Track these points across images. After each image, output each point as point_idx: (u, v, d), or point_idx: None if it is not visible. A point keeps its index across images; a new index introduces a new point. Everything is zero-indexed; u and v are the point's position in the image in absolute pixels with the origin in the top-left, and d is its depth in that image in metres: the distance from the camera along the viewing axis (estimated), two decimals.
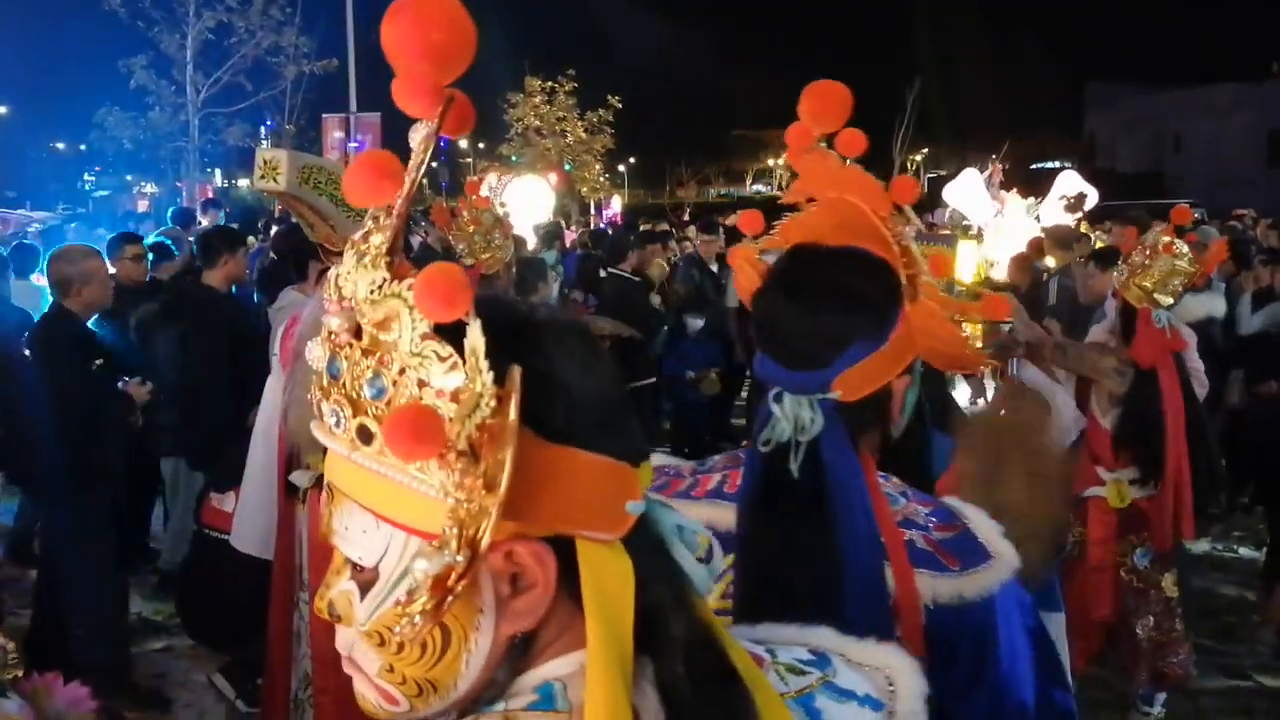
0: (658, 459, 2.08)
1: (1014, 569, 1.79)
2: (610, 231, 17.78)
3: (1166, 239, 4.94)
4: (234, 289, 7.83)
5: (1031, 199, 11.53)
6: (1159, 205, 22.12)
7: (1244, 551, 8.67)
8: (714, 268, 11.40)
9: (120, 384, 6.25)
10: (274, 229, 13.19)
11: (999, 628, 1.74)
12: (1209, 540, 8.81)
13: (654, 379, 10.05)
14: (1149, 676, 5.34)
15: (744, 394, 12.28)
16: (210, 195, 30.00)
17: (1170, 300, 4.96)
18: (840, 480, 1.74)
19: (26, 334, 6.17)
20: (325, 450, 1.14)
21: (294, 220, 4.58)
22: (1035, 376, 5.29)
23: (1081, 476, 5.23)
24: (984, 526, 1.85)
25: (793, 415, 1.78)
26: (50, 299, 6.09)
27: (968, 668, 1.74)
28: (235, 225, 15.08)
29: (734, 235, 12.51)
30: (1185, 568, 5.87)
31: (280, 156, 3.99)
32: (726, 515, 1.85)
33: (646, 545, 1.09)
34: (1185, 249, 4.93)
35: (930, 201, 17.01)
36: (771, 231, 2.06)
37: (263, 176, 3.97)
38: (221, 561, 4.99)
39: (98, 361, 5.96)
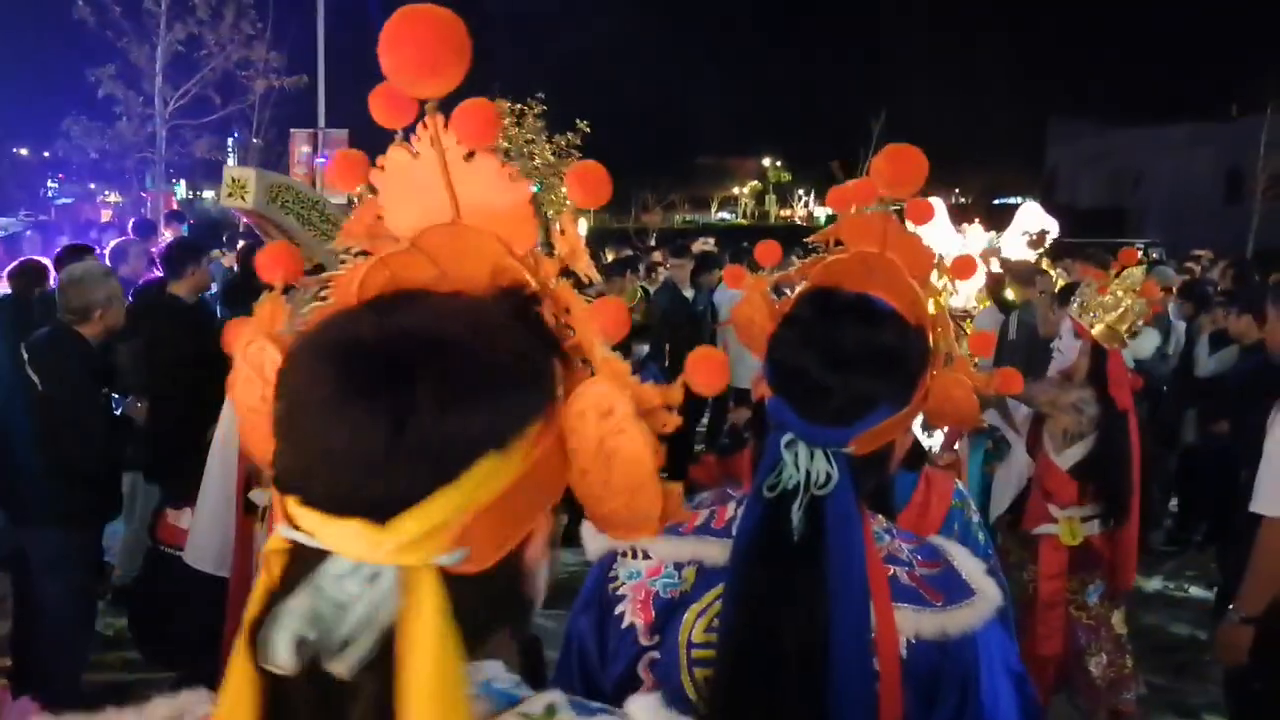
0: None
1: (997, 607, 1.80)
2: None
3: (1144, 281, 5.08)
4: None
5: (993, 232, 11.60)
6: (1117, 243, 22.33)
7: (1195, 590, 8.75)
8: (686, 292, 11.46)
9: (115, 405, 6.16)
10: (239, 243, 13.15)
11: (981, 667, 1.75)
12: (1161, 578, 8.91)
13: None
14: (1106, 715, 5.38)
15: (704, 420, 12.32)
16: (174, 207, 29.89)
17: (1130, 340, 5.10)
18: (842, 532, 1.74)
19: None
20: None
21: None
22: (994, 419, 5.37)
23: (1033, 514, 5.32)
24: (968, 564, 1.86)
25: (804, 466, 1.77)
26: (55, 319, 5.78)
27: (950, 709, 1.74)
28: (198, 237, 15.01)
29: (701, 259, 12.62)
30: (1132, 605, 5.95)
31: (248, 175, 3.99)
32: (713, 551, 1.86)
33: None
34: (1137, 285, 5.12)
35: None
36: (789, 266, 2.06)
37: (230, 194, 3.97)
38: (176, 579, 4.94)
39: (104, 390, 5.85)
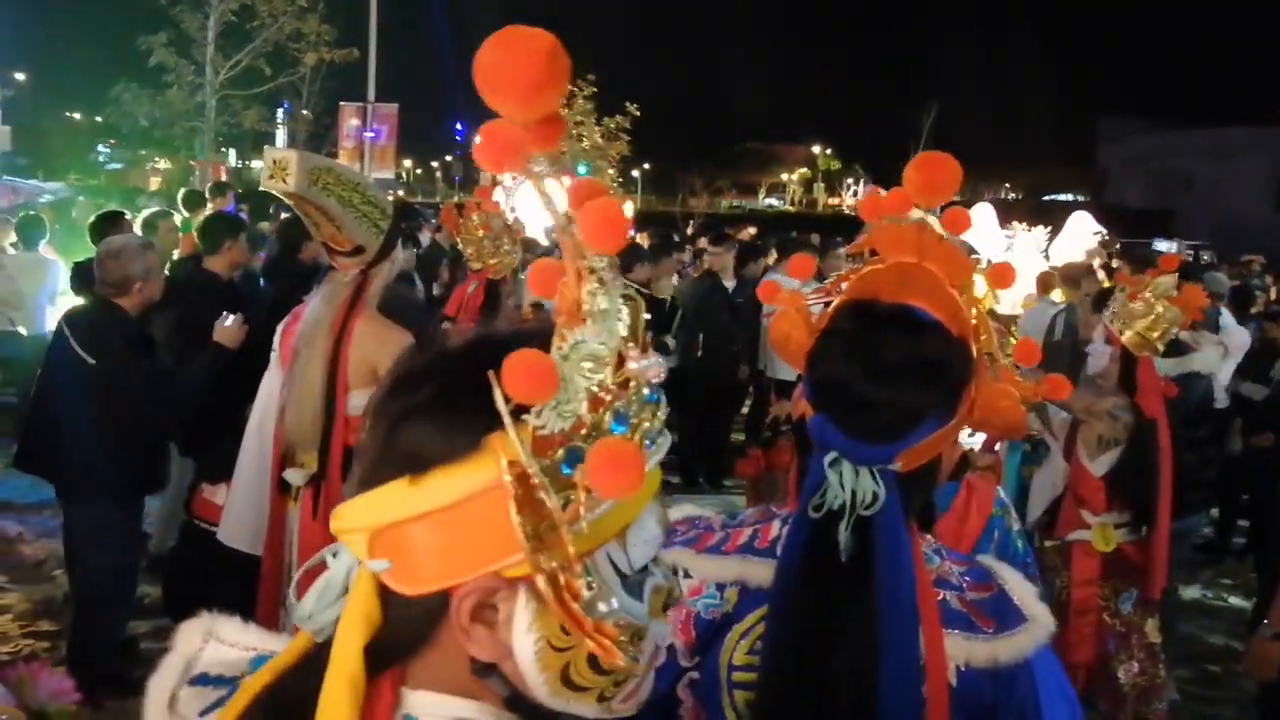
0: (688, 509, 2.04)
1: (1049, 632, 1.75)
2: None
3: (1174, 290, 4.99)
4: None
5: (1041, 230, 11.51)
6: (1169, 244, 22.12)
7: (1233, 600, 8.65)
8: (728, 282, 11.38)
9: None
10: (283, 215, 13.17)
11: (1040, 696, 1.71)
12: (1199, 587, 8.82)
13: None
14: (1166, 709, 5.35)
15: (744, 410, 12.30)
16: (223, 177, 30.05)
17: (1162, 348, 5.04)
18: (891, 553, 1.68)
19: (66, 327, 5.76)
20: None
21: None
22: (1032, 422, 5.33)
23: (1066, 520, 5.28)
24: (1019, 588, 1.81)
25: (850, 485, 1.70)
26: (78, 286, 5.76)
27: None
28: (246, 208, 15.04)
29: (746, 249, 12.53)
30: (1172, 613, 5.89)
31: (290, 157, 3.97)
32: (757, 571, 1.81)
33: None
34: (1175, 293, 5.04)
35: None
36: (826, 282, 2.01)
37: (272, 177, 3.95)
38: (210, 554, 4.96)
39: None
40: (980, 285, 1.98)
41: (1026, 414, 1.93)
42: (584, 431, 1.04)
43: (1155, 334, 5.01)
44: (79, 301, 6.68)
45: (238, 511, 4.64)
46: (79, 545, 5.84)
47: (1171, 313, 4.98)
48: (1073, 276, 10.00)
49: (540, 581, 1.03)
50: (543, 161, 1.10)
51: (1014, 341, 2.10)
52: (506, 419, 1.00)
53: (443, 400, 1.08)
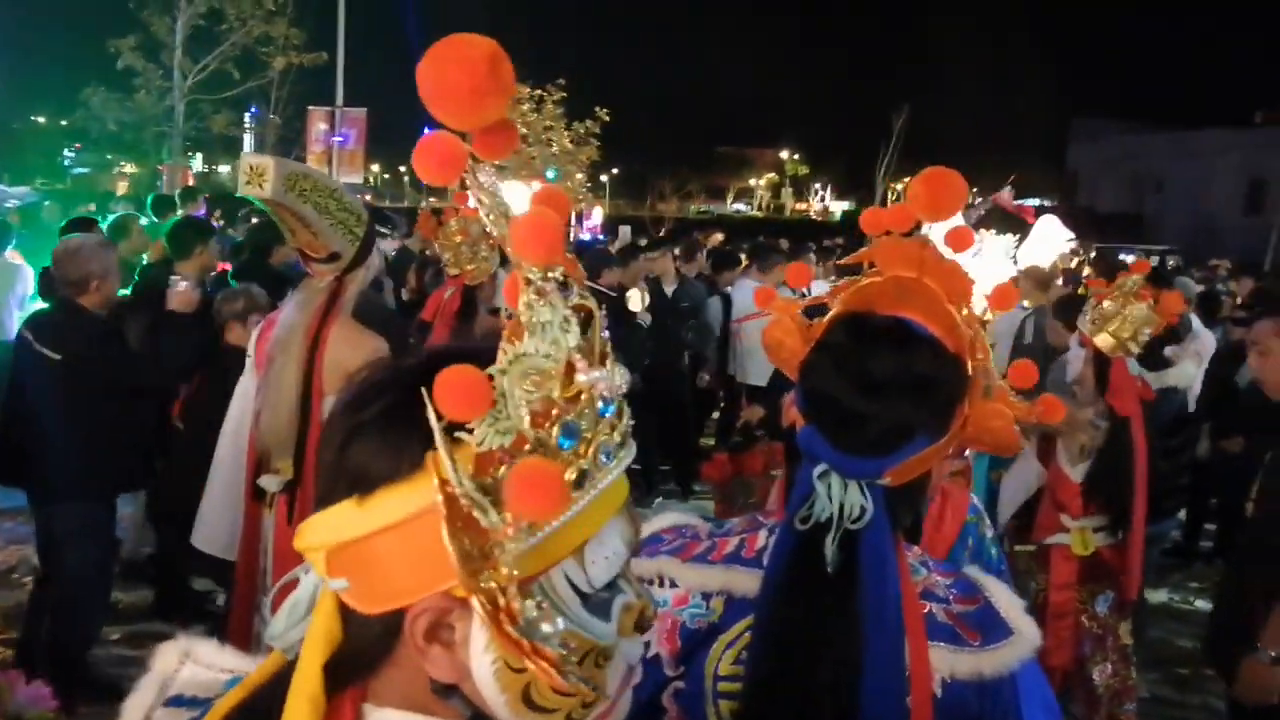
0: (674, 517, 2.04)
1: (1034, 645, 1.75)
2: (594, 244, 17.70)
3: (1141, 287, 5.05)
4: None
5: (1010, 236, 11.55)
6: (1135, 250, 22.25)
7: (1201, 604, 8.70)
8: (667, 287, 11.34)
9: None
10: (253, 219, 13.09)
11: (1022, 709, 1.71)
12: (1167, 591, 8.88)
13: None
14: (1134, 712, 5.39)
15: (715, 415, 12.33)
16: (190, 181, 29.92)
17: (1137, 349, 5.08)
18: (876, 566, 1.68)
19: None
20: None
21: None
22: None
23: (1044, 524, 5.32)
24: (1006, 601, 1.81)
25: (838, 498, 1.71)
26: (45, 291, 5.80)
27: None
28: (218, 212, 14.98)
29: (720, 257, 12.57)
30: (1144, 616, 5.93)
31: (267, 164, 3.97)
32: (743, 580, 1.81)
33: None
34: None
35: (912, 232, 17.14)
36: (807, 258, 1.99)
37: (249, 182, 3.95)
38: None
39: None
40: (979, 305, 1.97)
41: (1019, 435, 1.91)
42: (527, 447, 1.02)
43: (1126, 334, 5.06)
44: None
45: (212, 517, 4.63)
46: (56, 547, 5.81)
47: (1138, 310, 5.03)
48: (1042, 280, 10.05)
49: (475, 603, 1.02)
50: (489, 171, 1.09)
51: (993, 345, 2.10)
52: (438, 436, 0.99)
53: (388, 418, 1.07)
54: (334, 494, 1.08)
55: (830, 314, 1.91)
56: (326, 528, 1.08)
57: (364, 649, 1.11)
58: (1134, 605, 5.49)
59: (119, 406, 5.76)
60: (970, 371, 1.81)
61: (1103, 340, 5.10)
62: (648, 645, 1.82)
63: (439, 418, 0.99)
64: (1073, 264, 11.71)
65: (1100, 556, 5.23)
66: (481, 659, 1.06)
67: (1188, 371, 7.34)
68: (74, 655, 5.73)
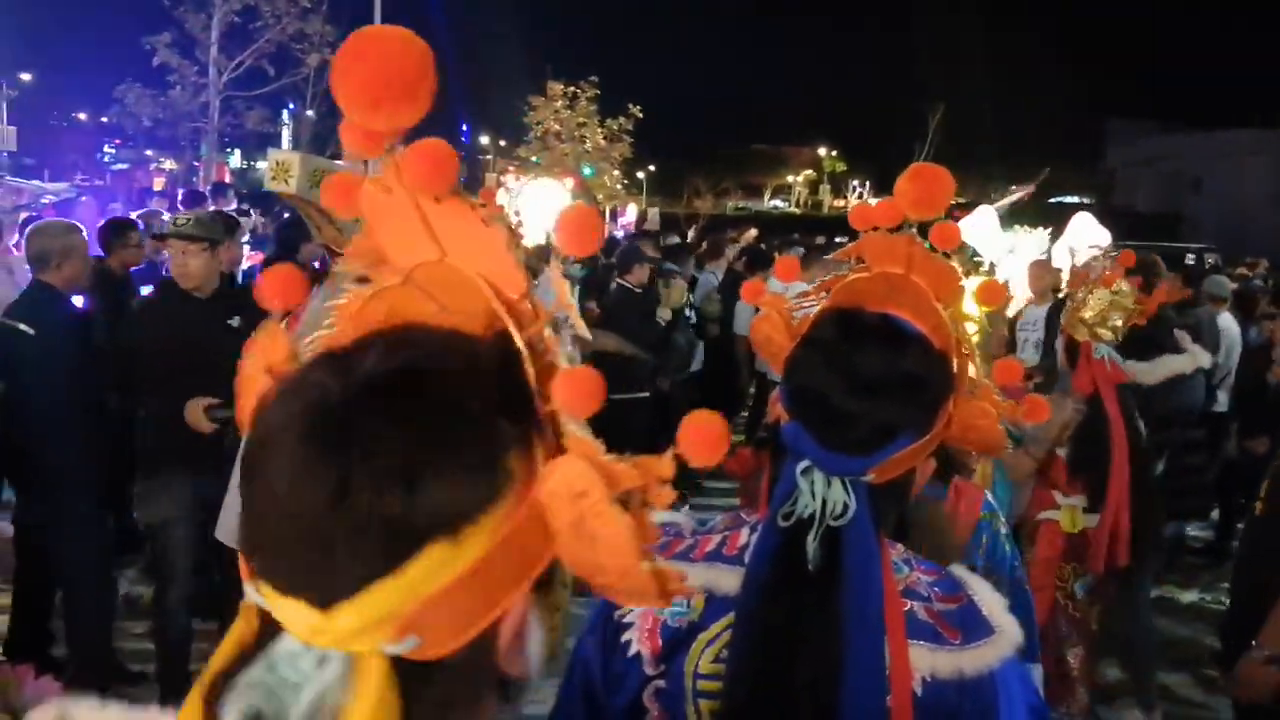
0: (659, 516, 2.05)
1: (1016, 644, 1.74)
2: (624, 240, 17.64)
3: (1107, 272, 5.19)
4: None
5: (1044, 232, 11.49)
6: (1173, 249, 22.09)
7: None
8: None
9: None
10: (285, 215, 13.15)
11: (1000, 707, 1.70)
12: (1198, 591, 8.81)
13: (647, 393, 9.63)
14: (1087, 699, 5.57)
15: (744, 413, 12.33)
16: (227, 178, 30.09)
17: (1111, 335, 5.20)
18: (859, 564, 1.68)
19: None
20: None
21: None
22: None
23: (1037, 501, 5.54)
24: (988, 599, 1.79)
25: (821, 495, 1.71)
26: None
27: None
28: (247, 208, 15.06)
29: (754, 255, 12.59)
30: (1136, 610, 6.03)
31: (292, 159, 3.99)
32: (725, 578, 1.80)
33: None
34: (1125, 286, 5.30)
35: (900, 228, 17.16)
36: (811, 287, 1.99)
37: (274, 178, 3.98)
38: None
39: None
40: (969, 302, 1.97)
41: (1004, 434, 1.91)
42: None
43: (1089, 317, 5.23)
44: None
45: (234, 510, 4.65)
46: (52, 539, 5.92)
47: (1100, 296, 5.15)
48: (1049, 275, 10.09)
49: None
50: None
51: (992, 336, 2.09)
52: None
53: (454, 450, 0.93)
54: (386, 558, 0.89)
55: (818, 310, 1.90)
56: (403, 592, 0.90)
57: (456, 694, 0.98)
58: (1115, 595, 5.72)
59: (99, 389, 5.84)
60: (957, 369, 1.81)
61: (1076, 329, 5.33)
62: (629, 644, 1.83)
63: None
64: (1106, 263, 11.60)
65: (1086, 537, 5.39)
66: (520, 630, 0.99)
67: (1183, 360, 7.26)
68: (90, 648, 5.80)
